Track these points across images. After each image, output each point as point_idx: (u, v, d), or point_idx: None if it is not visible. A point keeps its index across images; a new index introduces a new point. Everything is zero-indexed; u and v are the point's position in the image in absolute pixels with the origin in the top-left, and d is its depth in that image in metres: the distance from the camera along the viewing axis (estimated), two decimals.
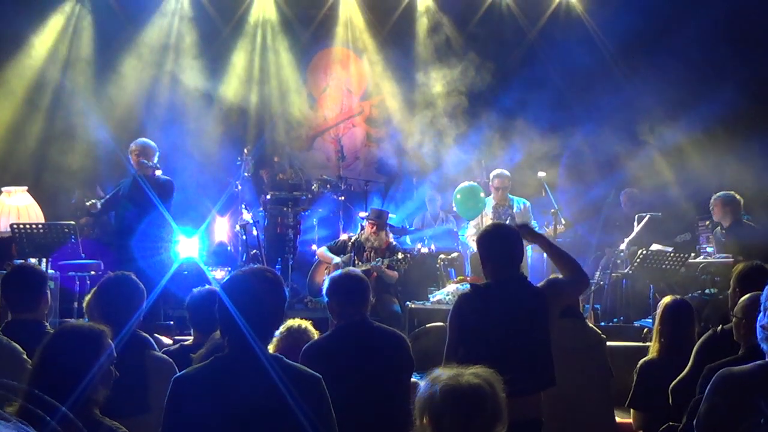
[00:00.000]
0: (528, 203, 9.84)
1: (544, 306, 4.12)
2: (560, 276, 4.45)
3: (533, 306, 4.10)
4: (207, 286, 4.96)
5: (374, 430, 3.96)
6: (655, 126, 11.65)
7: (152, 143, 8.23)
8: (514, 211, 9.64)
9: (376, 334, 4.23)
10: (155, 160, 8.08)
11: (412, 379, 4.28)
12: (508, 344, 3.95)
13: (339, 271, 4.46)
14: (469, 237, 9.77)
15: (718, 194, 8.69)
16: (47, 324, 4.39)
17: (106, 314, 4.00)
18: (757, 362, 2.94)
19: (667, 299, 5.05)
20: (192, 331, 4.97)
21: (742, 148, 10.09)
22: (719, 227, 8.70)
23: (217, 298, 4.77)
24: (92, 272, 8.16)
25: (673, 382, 4.50)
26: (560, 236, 9.45)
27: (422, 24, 12.22)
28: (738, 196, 8.62)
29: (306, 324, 4.65)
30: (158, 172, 8.01)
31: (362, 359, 4.07)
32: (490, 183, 9.83)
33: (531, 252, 9.62)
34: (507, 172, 9.86)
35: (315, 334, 4.58)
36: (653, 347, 4.95)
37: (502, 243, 4.19)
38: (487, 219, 9.46)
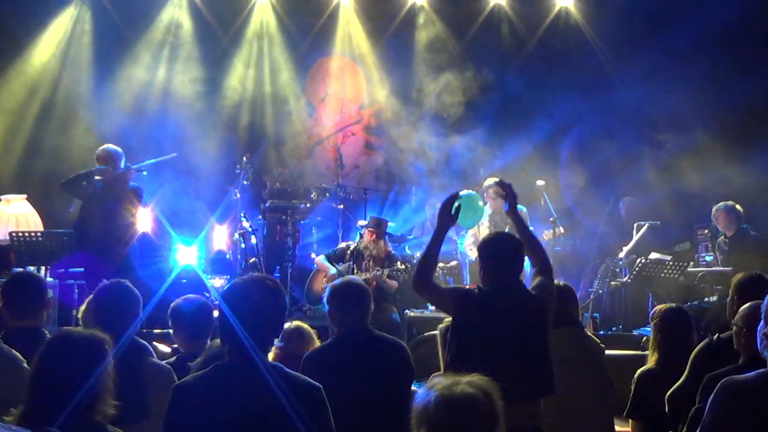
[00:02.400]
0: (525, 209, 9.67)
1: (542, 312, 4.11)
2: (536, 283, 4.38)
3: (531, 312, 4.09)
4: (187, 296, 5.00)
5: None
6: (655, 135, 11.66)
7: (115, 147, 8.24)
8: None
9: (376, 343, 4.23)
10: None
11: (412, 388, 4.27)
12: (506, 349, 3.93)
13: (340, 279, 4.47)
14: (467, 246, 9.71)
15: (720, 204, 8.67)
16: (46, 332, 4.38)
17: (102, 322, 3.99)
18: (760, 371, 2.94)
19: (662, 307, 5.00)
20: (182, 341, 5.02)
21: (743, 157, 10.11)
22: (723, 236, 8.69)
23: (204, 306, 4.88)
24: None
25: (669, 391, 4.49)
26: (558, 244, 9.44)
27: (421, 32, 12.24)
28: (738, 206, 8.63)
29: (297, 322, 4.69)
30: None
31: (363, 368, 4.06)
32: (485, 193, 9.51)
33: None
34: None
35: (312, 332, 4.61)
36: (651, 357, 4.93)
37: (503, 250, 4.19)
38: (484, 228, 9.34)
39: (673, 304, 5.19)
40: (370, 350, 4.17)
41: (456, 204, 4.42)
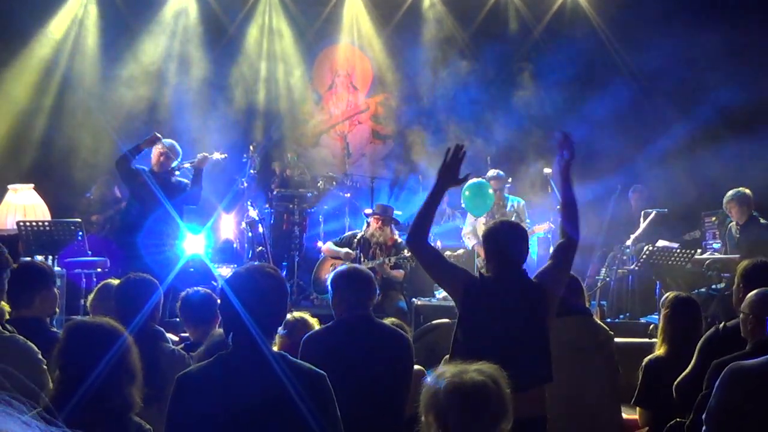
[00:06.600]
0: (522, 202, 9.66)
1: (544, 301, 4.09)
2: (547, 267, 4.34)
3: (532, 300, 4.07)
4: (196, 288, 5.09)
5: (370, 428, 3.92)
6: (663, 121, 11.60)
7: (179, 147, 8.26)
8: (507, 210, 9.42)
9: (377, 330, 4.21)
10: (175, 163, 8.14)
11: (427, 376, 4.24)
12: (506, 337, 3.93)
13: (344, 265, 4.46)
14: (465, 235, 9.67)
15: (734, 192, 8.49)
16: (48, 320, 4.40)
17: (124, 315, 4.05)
18: (766, 356, 2.94)
19: (670, 295, 5.00)
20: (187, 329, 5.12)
21: (752, 144, 10.05)
22: (735, 224, 8.58)
23: (210, 296, 4.94)
24: (98, 269, 8.17)
25: (677, 380, 4.49)
26: None
27: (428, 21, 12.20)
28: (748, 191, 8.53)
29: (300, 314, 4.69)
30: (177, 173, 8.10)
31: (361, 353, 4.04)
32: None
33: (536, 250, 9.59)
34: (502, 173, 9.63)
35: (315, 323, 4.62)
36: (659, 345, 4.92)
37: (506, 239, 4.17)
38: (482, 219, 9.30)
39: (682, 293, 5.18)
40: (370, 337, 4.14)
41: (463, 168, 4.16)
